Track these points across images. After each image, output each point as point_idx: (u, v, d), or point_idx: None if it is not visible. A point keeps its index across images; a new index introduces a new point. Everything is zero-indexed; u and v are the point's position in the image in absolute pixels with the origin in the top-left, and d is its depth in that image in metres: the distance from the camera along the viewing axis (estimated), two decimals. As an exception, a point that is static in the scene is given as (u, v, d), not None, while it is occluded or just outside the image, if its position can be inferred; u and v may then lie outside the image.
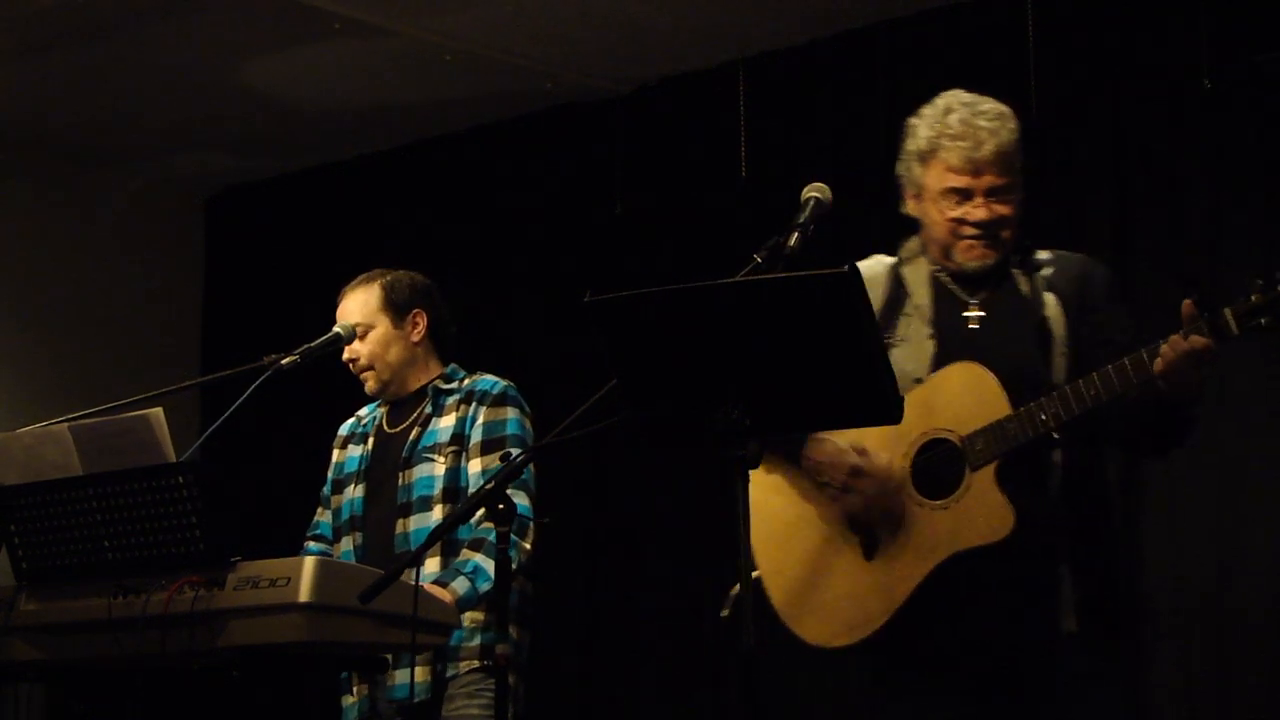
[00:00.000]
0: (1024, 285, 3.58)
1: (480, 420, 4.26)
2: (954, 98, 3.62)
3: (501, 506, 3.37)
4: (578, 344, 4.94)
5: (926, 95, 5.73)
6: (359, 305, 4.40)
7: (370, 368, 4.37)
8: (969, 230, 3.54)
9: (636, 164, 6.44)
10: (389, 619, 3.60)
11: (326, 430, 4.54)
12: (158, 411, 3.68)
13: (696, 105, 6.30)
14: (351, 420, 4.56)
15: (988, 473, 3.45)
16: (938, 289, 3.62)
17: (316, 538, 4.50)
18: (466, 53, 6.17)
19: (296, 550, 4.39)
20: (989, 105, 3.59)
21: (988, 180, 3.52)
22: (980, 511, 3.47)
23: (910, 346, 3.59)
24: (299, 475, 7.05)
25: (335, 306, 4.49)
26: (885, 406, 3.09)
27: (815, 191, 3.34)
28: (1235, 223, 5.09)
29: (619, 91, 6.49)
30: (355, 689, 4.26)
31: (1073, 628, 3.46)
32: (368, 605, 3.39)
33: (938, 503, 3.50)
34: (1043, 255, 3.62)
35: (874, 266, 3.69)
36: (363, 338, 4.37)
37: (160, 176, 7.57)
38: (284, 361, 4.21)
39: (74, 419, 3.86)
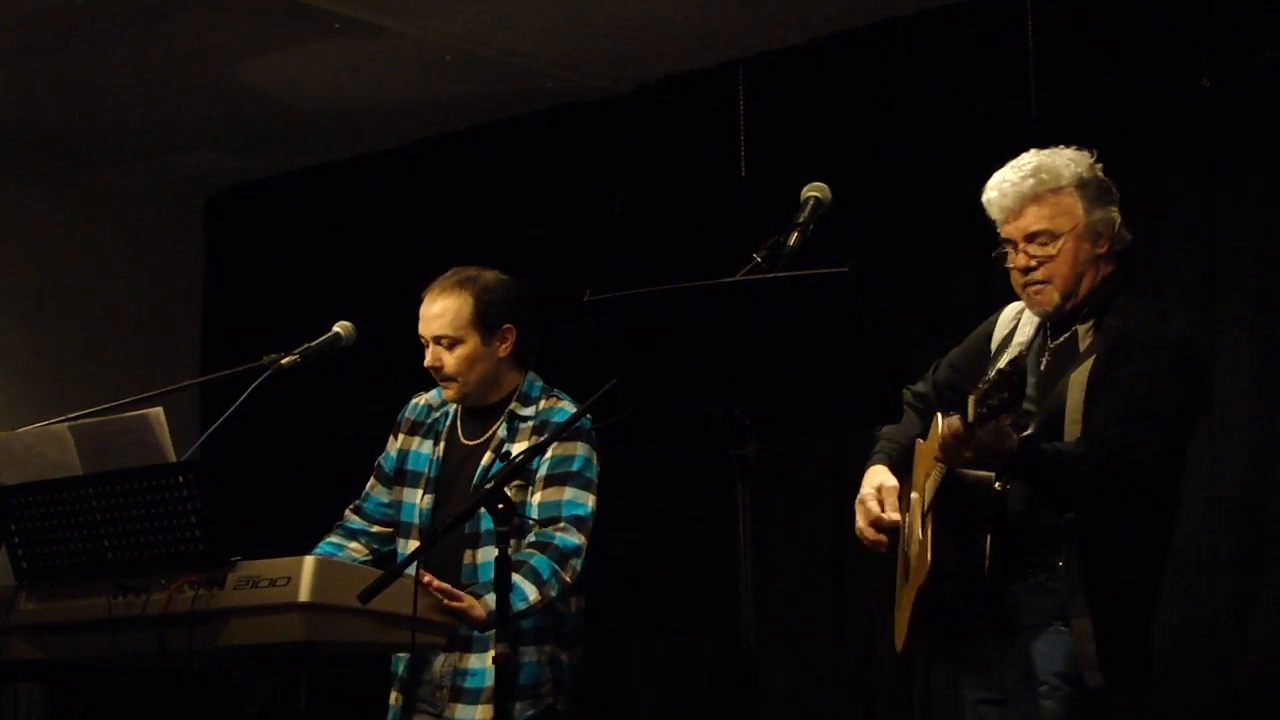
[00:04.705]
0: (1084, 341, 3.69)
1: (549, 453, 4.13)
2: (1017, 158, 3.82)
3: (501, 506, 3.37)
4: (577, 343, 4.94)
5: (926, 95, 5.79)
6: (450, 316, 4.23)
7: (453, 379, 4.26)
8: (1019, 278, 3.75)
9: (636, 164, 6.43)
10: (389, 618, 3.61)
11: (327, 429, 4.55)
12: (158, 411, 3.69)
13: (696, 105, 6.29)
14: (420, 405, 4.43)
15: (929, 516, 3.65)
16: (1041, 332, 3.81)
17: (360, 511, 4.42)
18: (466, 53, 6.17)
19: (297, 549, 4.35)
20: (1030, 159, 3.78)
21: (1022, 226, 3.72)
22: (919, 555, 3.65)
23: None
24: (299, 475, 7.09)
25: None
26: (882, 406, 3.11)
27: (815, 191, 3.36)
28: (1234, 222, 5.08)
29: (619, 91, 6.49)
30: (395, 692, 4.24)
31: (1098, 682, 3.51)
32: (367, 605, 3.39)
33: (920, 538, 3.69)
34: (1136, 305, 3.71)
35: (1010, 308, 3.92)
36: (449, 349, 4.23)
37: (160, 176, 7.57)
38: (284, 361, 4.20)
39: (74, 419, 3.87)
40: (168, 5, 5.85)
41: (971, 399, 3.34)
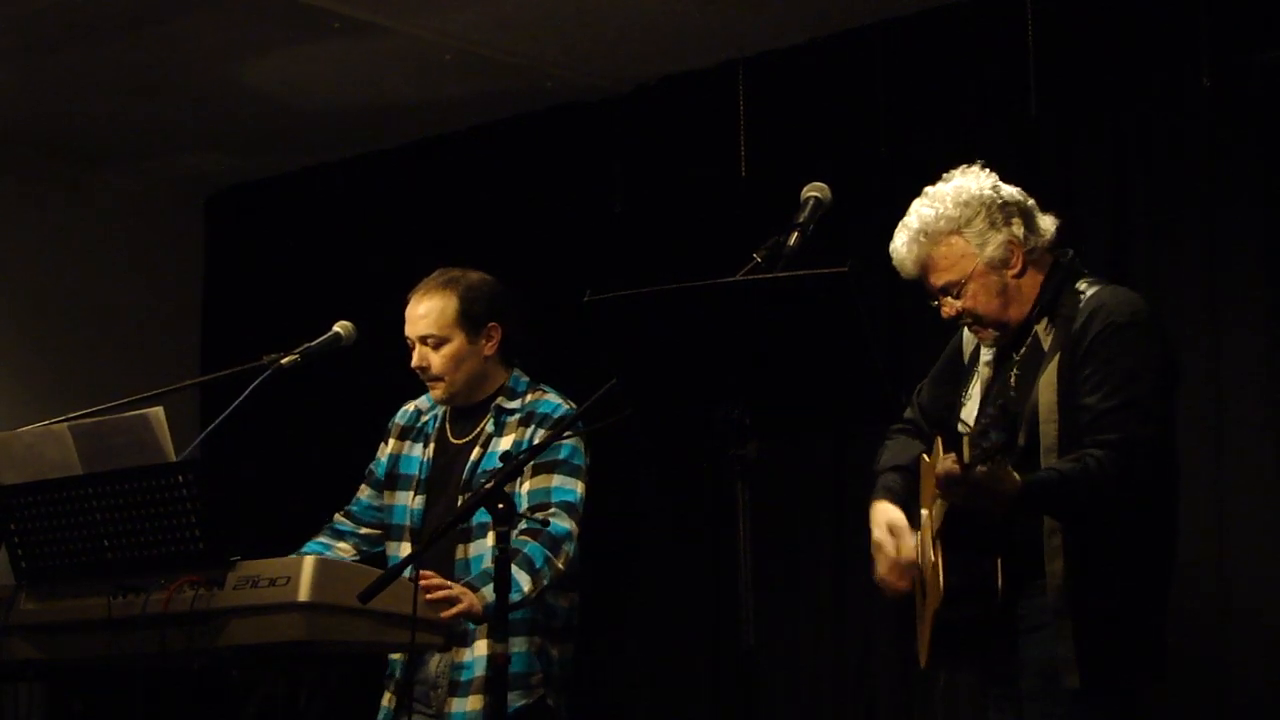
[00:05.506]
0: (1046, 339, 3.67)
1: (536, 443, 4.12)
2: (906, 214, 3.78)
3: (501, 505, 3.37)
4: (577, 343, 4.95)
5: (926, 95, 5.79)
6: (435, 315, 4.24)
7: (440, 379, 4.26)
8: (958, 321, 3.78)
9: (636, 164, 6.43)
10: (389, 618, 3.61)
11: (327, 429, 4.55)
12: (157, 410, 3.69)
13: (696, 105, 6.29)
14: (410, 410, 4.45)
15: (938, 541, 3.63)
16: (1000, 351, 3.78)
17: (349, 514, 4.45)
18: (466, 53, 6.17)
19: (296, 549, 4.35)
20: (912, 215, 3.74)
21: (932, 284, 3.73)
22: (932, 578, 3.64)
23: (970, 404, 3.78)
24: (299, 475, 7.09)
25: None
26: (882, 406, 3.11)
27: (815, 191, 3.37)
28: (1234, 223, 5.08)
29: (619, 91, 6.49)
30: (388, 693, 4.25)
31: (1075, 684, 3.50)
32: (367, 604, 3.40)
33: (931, 563, 3.67)
34: (1085, 292, 3.67)
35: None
36: (435, 348, 4.23)
37: (160, 176, 7.57)
38: (284, 361, 4.20)
39: (74, 418, 3.87)
40: (168, 5, 5.85)
41: (966, 440, 3.34)
